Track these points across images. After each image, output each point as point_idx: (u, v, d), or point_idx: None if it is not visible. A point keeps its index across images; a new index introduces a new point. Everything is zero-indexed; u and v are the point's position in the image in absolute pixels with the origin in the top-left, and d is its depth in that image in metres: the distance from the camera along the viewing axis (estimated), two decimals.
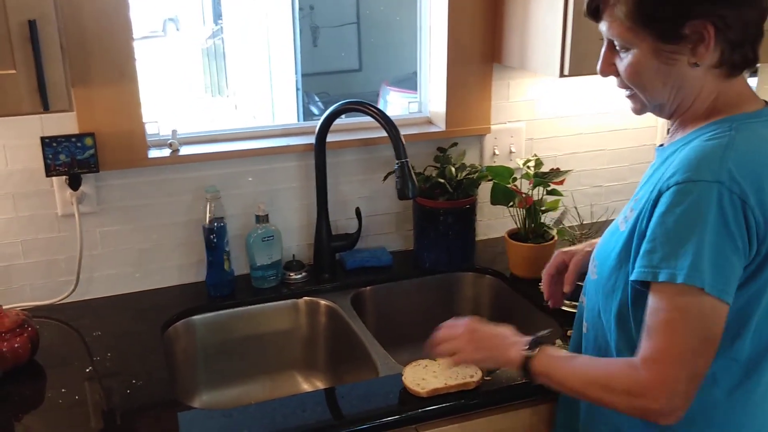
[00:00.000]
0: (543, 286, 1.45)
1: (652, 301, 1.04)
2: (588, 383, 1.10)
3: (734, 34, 1.04)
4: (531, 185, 1.86)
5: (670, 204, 1.02)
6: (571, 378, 1.13)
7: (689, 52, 1.05)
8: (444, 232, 1.88)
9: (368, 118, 1.74)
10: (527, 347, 1.19)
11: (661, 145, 1.19)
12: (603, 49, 1.14)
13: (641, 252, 1.04)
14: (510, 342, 1.23)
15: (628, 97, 1.16)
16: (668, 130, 1.20)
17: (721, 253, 0.99)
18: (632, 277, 1.06)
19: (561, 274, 1.41)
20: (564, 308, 1.58)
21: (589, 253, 1.35)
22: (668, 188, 1.03)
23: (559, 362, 1.15)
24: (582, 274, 1.35)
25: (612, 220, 1.25)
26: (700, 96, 1.10)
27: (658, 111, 1.15)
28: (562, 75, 1.66)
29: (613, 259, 1.14)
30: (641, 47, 1.07)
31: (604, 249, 1.19)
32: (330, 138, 1.80)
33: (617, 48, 1.11)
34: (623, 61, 1.10)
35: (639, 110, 1.16)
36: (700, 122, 1.11)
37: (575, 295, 1.51)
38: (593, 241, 1.40)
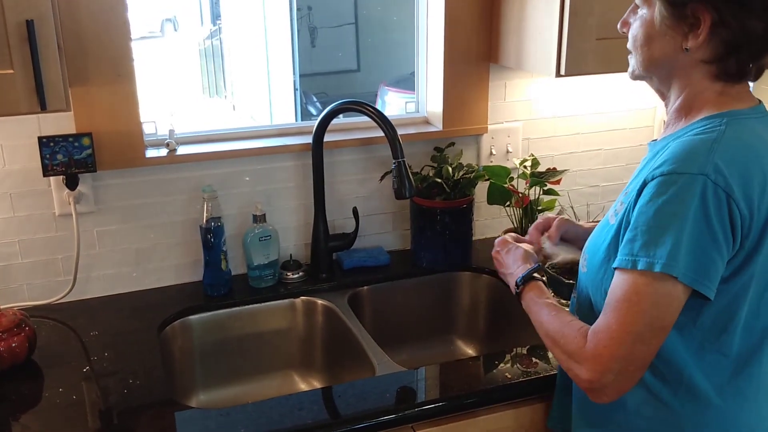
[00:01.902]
0: (529, 234, 1.48)
1: (616, 278, 1.07)
2: (545, 335, 1.19)
3: (731, 35, 1.05)
4: (527, 185, 1.86)
5: (653, 194, 1.03)
6: (537, 325, 1.22)
7: (683, 35, 1.08)
8: (441, 231, 1.88)
9: (365, 118, 1.74)
10: (516, 286, 1.29)
11: (654, 140, 1.20)
12: (629, 9, 1.20)
13: (624, 241, 1.06)
14: (510, 273, 1.34)
15: (630, 57, 1.20)
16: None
17: (699, 244, 1.00)
18: (614, 265, 1.07)
19: (546, 230, 1.47)
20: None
21: (571, 222, 1.44)
22: (653, 178, 1.04)
23: (534, 307, 1.24)
24: (564, 239, 1.44)
25: None
26: (690, 88, 1.12)
27: (649, 80, 1.20)
28: (558, 75, 1.67)
29: (603, 252, 1.15)
30: (650, 10, 1.12)
31: (594, 243, 1.21)
32: (327, 138, 1.81)
33: (637, 5, 1.16)
34: (635, 20, 1.16)
35: (631, 72, 1.20)
36: (693, 117, 1.12)
37: (566, 294, 1.52)
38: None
